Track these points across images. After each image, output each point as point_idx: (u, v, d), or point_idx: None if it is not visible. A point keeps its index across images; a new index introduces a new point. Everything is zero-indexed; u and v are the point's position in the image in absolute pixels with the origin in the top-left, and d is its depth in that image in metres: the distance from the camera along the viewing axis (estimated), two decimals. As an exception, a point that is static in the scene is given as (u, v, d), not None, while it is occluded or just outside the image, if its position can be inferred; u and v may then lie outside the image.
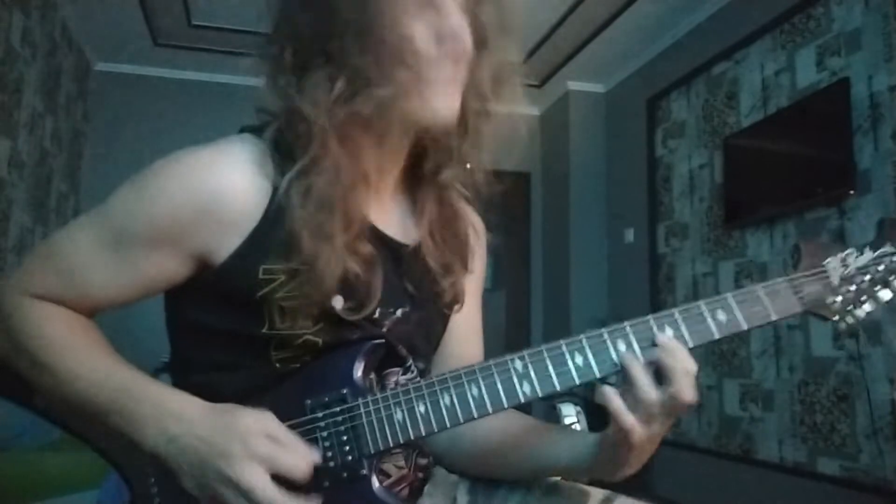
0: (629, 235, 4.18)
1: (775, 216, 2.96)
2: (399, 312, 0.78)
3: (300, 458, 0.65)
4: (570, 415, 2.36)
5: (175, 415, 0.67)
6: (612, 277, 4.36)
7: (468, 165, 0.82)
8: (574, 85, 4.54)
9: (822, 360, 2.71)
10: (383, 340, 0.74)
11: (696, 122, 3.63)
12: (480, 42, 0.75)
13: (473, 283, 0.90)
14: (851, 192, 2.57)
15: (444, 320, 0.87)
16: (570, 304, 4.33)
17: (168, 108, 4.24)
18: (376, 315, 0.75)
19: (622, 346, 0.68)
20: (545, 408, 3.35)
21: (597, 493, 0.80)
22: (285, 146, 0.72)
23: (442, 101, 0.72)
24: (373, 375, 0.75)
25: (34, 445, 2.19)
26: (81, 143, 4.14)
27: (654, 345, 0.67)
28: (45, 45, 3.36)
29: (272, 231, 0.70)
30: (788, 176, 2.90)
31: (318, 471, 0.66)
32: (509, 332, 4.70)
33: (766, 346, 3.01)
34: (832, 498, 2.60)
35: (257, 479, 0.62)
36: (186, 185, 0.71)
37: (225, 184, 0.70)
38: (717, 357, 3.33)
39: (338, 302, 0.72)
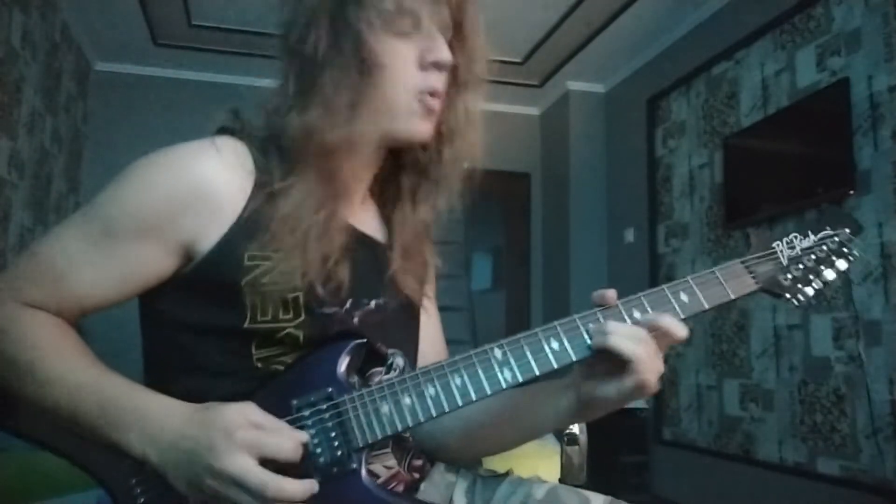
0: (629, 235, 4.18)
1: (775, 216, 2.96)
2: (373, 304, 0.81)
3: (286, 438, 0.65)
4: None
5: (159, 418, 0.67)
6: (612, 277, 4.36)
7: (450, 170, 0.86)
8: (574, 85, 4.54)
9: (822, 360, 2.71)
10: (365, 340, 0.75)
11: (696, 122, 3.64)
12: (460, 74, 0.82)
13: (430, 288, 0.96)
14: (851, 192, 2.57)
15: (415, 315, 0.90)
16: (570, 304, 4.33)
17: (168, 108, 4.23)
18: (348, 305, 0.77)
19: (593, 328, 0.71)
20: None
21: (597, 499, 0.80)
22: (265, 146, 0.76)
23: (419, 126, 0.79)
24: (356, 378, 0.75)
25: (34, 446, 2.19)
26: (81, 143, 4.14)
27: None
28: (45, 45, 3.36)
29: (256, 219, 0.73)
30: (788, 176, 2.90)
31: (307, 467, 0.67)
32: (509, 332, 4.67)
33: (766, 346, 3.01)
34: (832, 498, 2.60)
35: (244, 466, 0.62)
36: (170, 175, 0.73)
37: (208, 172, 0.72)
38: (717, 357, 3.33)
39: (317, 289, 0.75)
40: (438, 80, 0.78)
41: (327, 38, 0.73)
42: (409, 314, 0.89)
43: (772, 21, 3.06)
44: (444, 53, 0.77)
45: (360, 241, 0.81)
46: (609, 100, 4.58)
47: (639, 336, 0.69)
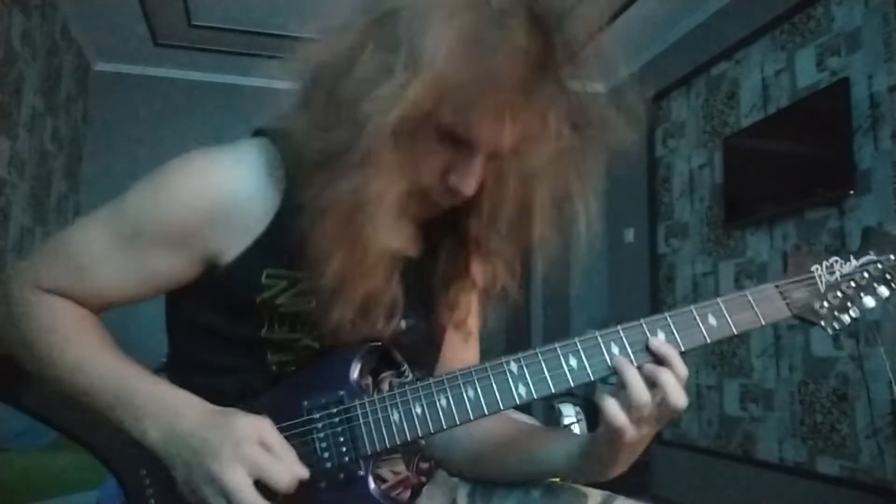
0: (629, 235, 4.18)
1: (775, 216, 2.96)
2: (403, 324, 0.78)
3: (287, 470, 0.65)
4: (570, 415, 2.37)
5: (176, 411, 0.68)
6: (612, 277, 4.36)
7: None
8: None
9: (822, 360, 2.71)
10: (379, 344, 0.74)
11: (696, 122, 3.63)
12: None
13: (469, 306, 0.89)
14: (851, 192, 2.57)
15: (443, 329, 0.87)
16: (569, 304, 4.33)
17: (168, 108, 4.24)
18: (379, 326, 0.74)
19: (615, 349, 0.68)
20: (545, 407, 3.35)
21: (595, 495, 0.80)
22: (299, 157, 0.70)
23: (444, 202, 0.73)
24: (369, 379, 0.75)
25: (34, 445, 2.19)
26: (81, 143, 4.13)
27: (647, 348, 0.68)
28: (45, 45, 3.36)
29: (279, 237, 0.71)
30: (788, 176, 2.90)
31: (314, 472, 0.67)
32: (509, 333, 4.69)
33: (766, 346, 3.01)
34: (832, 498, 2.60)
35: (238, 481, 0.62)
36: (199, 188, 0.71)
37: (237, 188, 0.71)
38: (717, 357, 3.33)
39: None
40: (456, 198, 0.72)
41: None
42: (436, 332, 0.85)
43: (772, 21, 3.05)
44: (467, 187, 0.70)
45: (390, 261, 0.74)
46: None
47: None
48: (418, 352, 0.81)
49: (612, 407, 0.65)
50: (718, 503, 3.24)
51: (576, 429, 1.92)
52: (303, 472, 0.66)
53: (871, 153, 2.54)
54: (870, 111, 2.55)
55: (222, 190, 0.71)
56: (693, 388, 3.50)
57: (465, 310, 0.86)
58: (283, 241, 0.70)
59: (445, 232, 0.81)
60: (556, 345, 0.69)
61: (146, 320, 0.78)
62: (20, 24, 2.99)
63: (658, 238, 3.91)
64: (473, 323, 0.91)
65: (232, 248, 0.71)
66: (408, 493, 0.80)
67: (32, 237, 3.32)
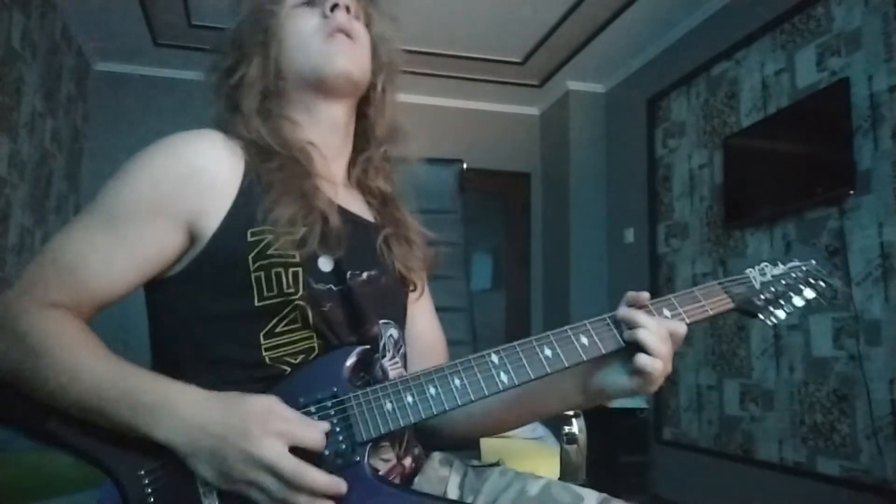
0: (629, 235, 4.19)
1: (775, 216, 2.96)
2: (365, 275, 0.85)
3: (313, 429, 0.69)
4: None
5: (186, 403, 0.69)
6: (612, 277, 4.36)
7: (383, 150, 0.96)
8: (574, 85, 4.54)
9: (822, 360, 2.71)
10: (368, 346, 0.78)
11: (696, 122, 3.64)
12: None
13: (421, 271, 0.99)
14: (851, 192, 2.57)
15: (405, 291, 0.95)
16: (569, 304, 4.33)
17: (168, 108, 4.23)
18: (348, 275, 0.81)
19: (584, 340, 0.77)
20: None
21: (591, 496, 0.80)
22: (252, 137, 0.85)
23: (335, 61, 0.86)
24: (360, 380, 0.78)
25: (34, 445, 2.19)
26: (81, 143, 4.14)
27: (616, 319, 0.79)
28: (45, 45, 3.36)
29: (252, 198, 0.77)
30: (788, 176, 2.90)
31: (314, 459, 0.69)
32: (509, 332, 4.70)
33: (766, 346, 3.01)
34: (832, 498, 2.60)
35: (278, 452, 0.65)
36: (167, 157, 0.78)
37: (203, 153, 0.78)
38: (717, 357, 3.33)
39: (325, 263, 0.79)
40: (344, 18, 0.87)
41: (252, 24, 0.91)
42: (399, 288, 0.93)
43: (772, 21, 3.06)
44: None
45: (347, 217, 0.85)
46: (609, 100, 4.58)
47: (664, 334, 0.76)
48: (384, 301, 0.87)
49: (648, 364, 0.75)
50: (718, 503, 3.24)
51: (574, 426, 1.92)
52: (325, 426, 0.70)
53: (871, 153, 2.54)
54: (870, 111, 2.55)
55: (188, 156, 0.78)
56: (693, 388, 3.51)
57: (416, 269, 0.95)
58: (256, 202, 0.77)
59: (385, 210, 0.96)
60: (532, 338, 0.77)
61: (143, 328, 0.79)
62: (20, 24, 3.00)
63: (658, 238, 3.91)
64: (428, 303, 1.03)
65: (212, 213, 0.76)
66: (398, 480, 0.83)
67: (32, 237, 3.32)
